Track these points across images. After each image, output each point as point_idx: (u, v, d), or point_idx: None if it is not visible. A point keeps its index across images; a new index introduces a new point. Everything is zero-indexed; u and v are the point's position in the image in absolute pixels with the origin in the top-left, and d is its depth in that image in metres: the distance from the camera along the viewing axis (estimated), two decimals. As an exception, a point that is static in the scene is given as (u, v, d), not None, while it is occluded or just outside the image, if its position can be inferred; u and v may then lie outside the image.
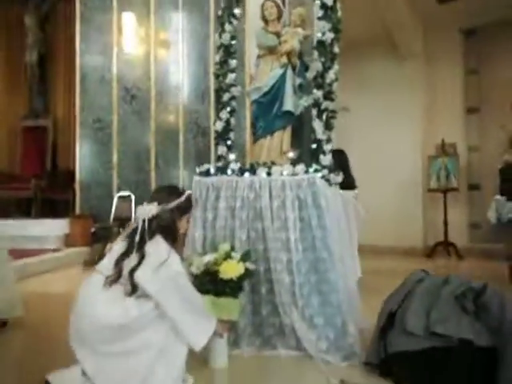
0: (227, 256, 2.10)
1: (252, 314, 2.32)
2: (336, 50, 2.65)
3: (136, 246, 1.74)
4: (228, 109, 2.87)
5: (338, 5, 2.66)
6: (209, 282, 2.00)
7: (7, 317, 2.74)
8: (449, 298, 1.90)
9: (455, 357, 1.76)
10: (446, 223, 6.10)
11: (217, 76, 2.92)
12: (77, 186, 6.79)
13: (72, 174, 6.96)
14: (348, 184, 4.04)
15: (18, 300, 2.82)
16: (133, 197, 6.48)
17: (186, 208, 1.95)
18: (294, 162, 2.58)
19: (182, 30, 6.50)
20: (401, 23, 5.88)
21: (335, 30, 2.63)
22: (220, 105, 2.88)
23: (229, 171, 2.50)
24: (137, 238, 1.74)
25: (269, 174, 2.40)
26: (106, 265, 1.79)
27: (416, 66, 6.47)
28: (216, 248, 2.21)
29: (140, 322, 1.69)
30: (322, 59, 2.63)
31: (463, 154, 6.37)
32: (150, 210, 1.82)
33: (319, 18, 2.65)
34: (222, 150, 2.84)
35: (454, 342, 1.77)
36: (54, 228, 6.42)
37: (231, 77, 2.88)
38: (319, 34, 2.64)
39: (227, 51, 2.91)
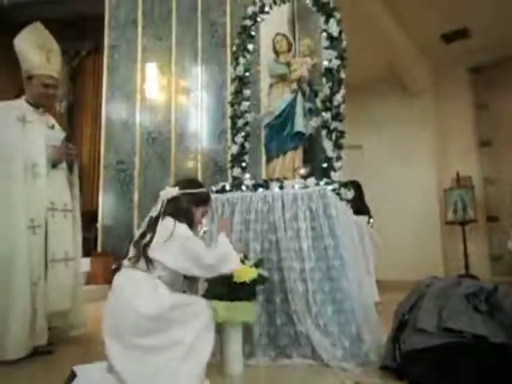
0: (241, 261, 2.17)
1: (267, 325, 2.35)
2: (342, 75, 2.85)
3: (152, 225, 1.88)
4: (242, 133, 3.06)
5: (343, 35, 2.89)
6: (222, 286, 2.07)
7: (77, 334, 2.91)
8: (460, 297, 1.92)
9: (469, 353, 1.76)
10: (466, 255, 6.02)
11: (232, 104, 3.13)
12: (99, 227, 7.00)
13: (95, 213, 7.20)
14: (362, 211, 4.12)
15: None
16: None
17: (203, 200, 2.07)
18: (305, 177, 2.71)
19: (200, 78, 6.93)
20: (409, 63, 6.16)
21: (341, 57, 2.85)
22: (235, 130, 3.07)
23: (243, 187, 2.64)
24: (153, 217, 1.88)
25: (281, 187, 2.53)
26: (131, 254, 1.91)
27: (426, 102, 6.68)
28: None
29: (174, 315, 1.77)
30: (330, 84, 2.82)
31: (479, 186, 6.39)
32: (170, 191, 1.96)
33: (326, 48, 2.88)
34: (236, 171, 3.00)
35: (468, 338, 1.77)
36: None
37: (245, 104, 3.10)
38: (326, 62, 2.85)
39: (241, 82, 3.14)
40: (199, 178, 6.68)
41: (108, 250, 6.82)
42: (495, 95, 6.42)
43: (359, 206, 4.19)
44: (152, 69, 7.21)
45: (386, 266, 6.10)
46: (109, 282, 6.00)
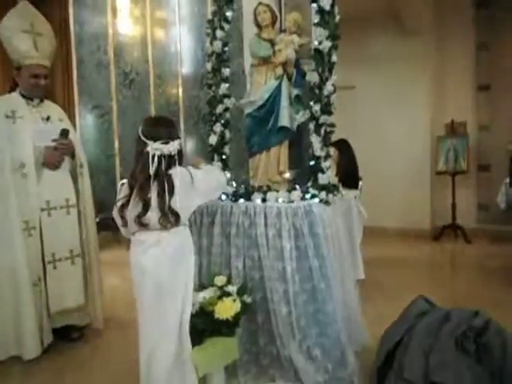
0: (222, 294, 2.05)
1: (249, 343, 2.30)
2: (334, 58, 2.47)
3: (160, 183, 1.77)
4: (222, 121, 2.74)
5: (336, 9, 2.46)
6: (204, 322, 1.96)
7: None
8: (449, 339, 1.85)
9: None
10: (453, 206, 5.98)
11: (209, 86, 2.77)
12: (80, 175, 6.74)
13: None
14: (350, 183, 3.93)
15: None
16: (136, 184, 6.46)
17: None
18: (291, 181, 2.48)
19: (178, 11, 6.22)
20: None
21: (333, 37, 2.45)
22: (213, 117, 2.74)
23: (223, 196, 2.41)
24: (152, 171, 1.77)
25: (264, 200, 2.31)
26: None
27: (424, 40, 6.14)
28: (212, 280, 2.16)
29: None
30: (320, 69, 2.47)
31: (473, 133, 6.14)
32: (169, 148, 1.81)
33: (316, 24, 2.46)
34: (216, 165, 2.73)
35: (453, 391, 1.72)
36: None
37: (224, 87, 2.73)
38: (316, 43, 2.46)
39: (219, 59, 2.74)
40: (182, 126, 6.33)
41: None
42: (498, 35, 5.90)
43: (347, 177, 4.00)
44: (123, -1, 6.42)
45: (374, 212, 6.11)
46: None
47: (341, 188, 3.76)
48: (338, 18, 2.48)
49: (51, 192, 2.67)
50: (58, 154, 2.67)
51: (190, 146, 6.26)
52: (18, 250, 2.56)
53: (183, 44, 6.23)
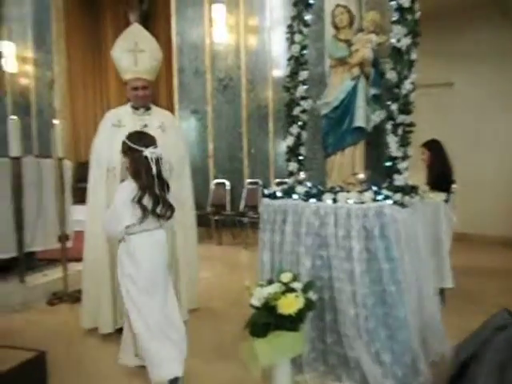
0: (287, 289, 2.11)
1: (316, 340, 2.32)
2: (413, 56, 2.39)
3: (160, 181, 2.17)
4: (299, 123, 2.80)
5: (417, 6, 2.38)
6: (268, 316, 2.04)
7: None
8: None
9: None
10: None
11: (287, 89, 2.85)
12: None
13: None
14: (443, 185, 3.71)
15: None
16: (228, 184, 6.78)
17: None
18: (365, 182, 2.45)
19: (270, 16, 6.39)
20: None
21: (412, 34, 2.37)
22: (290, 119, 2.81)
23: (295, 195, 2.47)
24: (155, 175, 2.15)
25: (334, 200, 2.32)
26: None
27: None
28: (279, 276, 2.24)
29: None
30: (398, 68, 2.40)
31: None
32: (158, 151, 2.19)
33: (394, 22, 2.41)
34: (293, 166, 2.80)
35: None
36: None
37: (302, 89, 2.79)
38: (394, 41, 2.40)
39: (297, 62, 2.80)
40: (271, 129, 6.50)
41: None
42: None
43: (438, 179, 3.78)
44: (220, 9, 6.78)
45: (473, 217, 5.64)
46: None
47: (427, 190, 3.59)
48: (418, 14, 2.39)
49: None
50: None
51: (279, 147, 6.39)
52: (104, 244, 2.87)
53: (274, 49, 6.40)
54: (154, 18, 8.24)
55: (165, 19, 7.60)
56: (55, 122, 4.03)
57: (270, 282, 2.23)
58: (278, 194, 2.53)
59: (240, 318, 2.24)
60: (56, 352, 2.57)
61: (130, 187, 2.14)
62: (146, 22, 8.37)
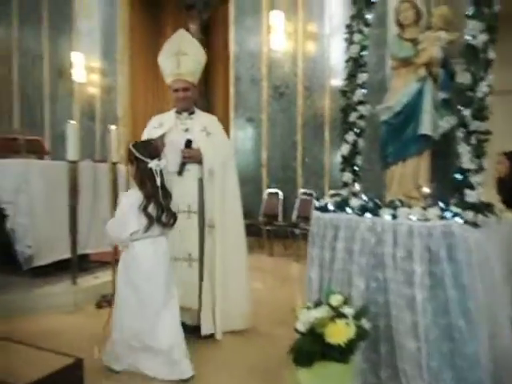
0: (337, 314, 1.88)
1: (369, 374, 2.06)
2: (491, 55, 2.09)
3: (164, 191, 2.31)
4: (355, 130, 2.57)
5: (496, -3, 2.08)
6: (314, 344, 1.82)
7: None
8: None
9: None
10: None
11: (343, 93, 2.63)
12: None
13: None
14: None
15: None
16: (281, 193, 6.61)
17: None
18: (430, 197, 2.17)
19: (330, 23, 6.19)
20: None
21: (490, 29, 2.07)
22: (346, 125, 2.59)
23: (348, 209, 2.24)
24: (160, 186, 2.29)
25: (394, 217, 2.06)
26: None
27: None
28: (328, 298, 2.01)
29: None
30: (472, 68, 2.11)
31: None
32: (164, 163, 2.33)
33: (469, 17, 2.12)
34: (347, 176, 2.57)
35: None
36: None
37: (360, 93, 2.56)
38: (468, 37, 2.11)
39: (356, 64, 2.58)
40: (327, 138, 6.26)
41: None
42: None
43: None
44: (278, 16, 6.68)
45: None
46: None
47: (504, 209, 3.20)
48: (497, 7, 2.09)
49: (175, 196, 2.77)
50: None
51: (335, 157, 6.12)
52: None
53: (333, 56, 6.18)
54: (214, 28, 8.32)
55: (224, 28, 7.63)
56: (111, 127, 4.10)
57: (318, 304, 2.00)
58: (330, 206, 2.31)
59: (288, 339, 2.01)
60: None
61: (135, 195, 2.26)
62: (206, 31, 8.50)
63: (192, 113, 3.05)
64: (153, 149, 2.35)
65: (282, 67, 6.73)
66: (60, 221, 3.85)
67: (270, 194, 6.76)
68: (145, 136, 3.03)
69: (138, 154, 2.28)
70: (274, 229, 6.32)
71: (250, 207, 7.05)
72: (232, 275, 2.97)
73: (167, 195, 2.32)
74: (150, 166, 2.25)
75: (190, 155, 2.89)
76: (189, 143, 2.91)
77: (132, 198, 2.27)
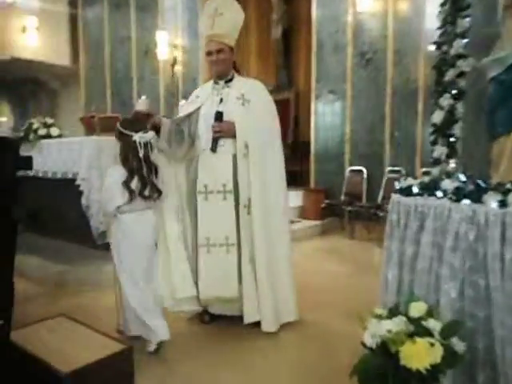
0: (418, 330, 1.44)
1: (462, 405, 1.61)
2: None
3: (146, 162, 2.32)
4: (452, 91, 2.02)
5: None
6: (385, 364, 1.42)
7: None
8: None
9: None
10: None
11: (438, 46, 2.08)
12: (312, 159, 6.78)
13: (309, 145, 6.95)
14: None
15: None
16: (365, 171, 6.05)
17: None
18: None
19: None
20: None
21: None
22: (440, 86, 2.05)
23: (439, 192, 1.74)
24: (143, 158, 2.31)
25: (503, 204, 1.54)
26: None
27: None
28: (407, 306, 1.58)
29: None
30: None
31: None
32: (150, 135, 2.34)
33: None
34: (440, 151, 2.04)
35: None
36: (291, 199, 6.60)
37: (459, 44, 1.99)
38: None
39: (455, 6, 2.01)
40: (420, 108, 5.51)
41: (320, 185, 6.63)
42: None
43: None
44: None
45: None
46: (318, 218, 5.89)
47: None
48: None
49: (208, 176, 2.59)
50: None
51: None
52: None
53: (429, 14, 5.35)
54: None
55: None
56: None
57: (393, 313, 1.58)
58: (415, 188, 1.83)
59: (355, 343, 1.62)
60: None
61: (119, 171, 2.31)
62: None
63: (229, 80, 2.70)
64: (139, 123, 2.38)
65: (370, 30, 6.04)
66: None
67: (353, 171, 6.24)
68: (182, 111, 2.80)
69: (122, 129, 2.34)
70: (356, 210, 5.81)
71: (330, 186, 6.61)
72: (274, 261, 2.63)
73: (152, 169, 2.35)
74: (133, 138, 2.29)
75: (221, 129, 2.57)
76: (219, 115, 2.59)
77: (115, 173, 2.34)
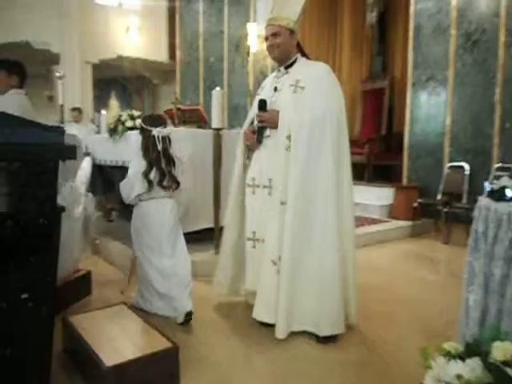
0: (498, 379, 1.10)
1: None
2: None
3: (165, 155, 2.59)
4: None
5: None
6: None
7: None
8: None
9: None
10: None
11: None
12: (405, 153, 6.22)
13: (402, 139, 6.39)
14: None
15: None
16: (467, 168, 5.36)
17: None
18: None
19: None
20: None
21: None
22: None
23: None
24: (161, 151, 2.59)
25: None
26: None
27: None
28: (489, 343, 1.23)
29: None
30: None
31: None
32: (168, 130, 2.63)
33: None
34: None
35: None
36: (379, 197, 6.16)
37: None
38: None
39: None
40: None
41: (414, 181, 6.04)
42: None
43: None
44: None
45: None
46: (409, 218, 5.37)
47: None
48: None
49: (256, 169, 2.46)
50: (248, 132, 2.53)
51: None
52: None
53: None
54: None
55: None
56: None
57: (470, 352, 1.24)
58: (510, 192, 1.44)
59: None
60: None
61: (139, 163, 2.55)
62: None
63: (289, 66, 2.44)
64: (158, 119, 2.67)
65: (478, 8, 5.29)
66: (207, 190, 3.77)
67: (453, 167, 5.57)
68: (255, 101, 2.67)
69: (143, 125, 2.60)
70: (454, 211, 5.17)
71: (425, 183, 5.98)
72: (311, 267, 2.27)
73: (170, 161, 2.59)
74: (152, 133, 2.54)
75: (264, 119, 2.35)
76: (263, 104, 2.36)
77: (137, 164, 2.57)
